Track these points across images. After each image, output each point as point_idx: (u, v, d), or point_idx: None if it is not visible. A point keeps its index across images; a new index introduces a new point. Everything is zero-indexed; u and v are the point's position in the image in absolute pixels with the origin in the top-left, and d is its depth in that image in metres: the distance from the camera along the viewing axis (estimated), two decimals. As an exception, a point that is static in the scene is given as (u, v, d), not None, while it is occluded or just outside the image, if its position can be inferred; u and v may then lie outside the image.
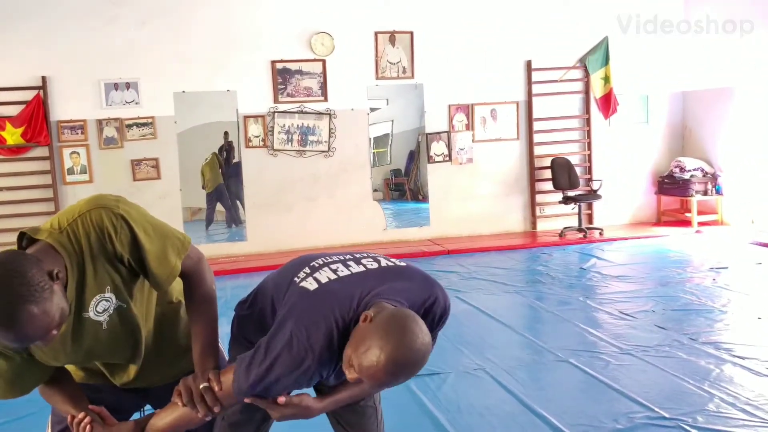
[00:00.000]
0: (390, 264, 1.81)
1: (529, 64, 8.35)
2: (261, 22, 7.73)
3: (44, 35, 7.23)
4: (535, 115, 8.42)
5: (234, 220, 8.97)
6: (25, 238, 1.55)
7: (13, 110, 7.22)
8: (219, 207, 9.13)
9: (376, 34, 7.98)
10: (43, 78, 7.26)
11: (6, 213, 7.21)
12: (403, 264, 1.83)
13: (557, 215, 8.51)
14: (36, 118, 7.23)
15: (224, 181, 9.01)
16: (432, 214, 8.46)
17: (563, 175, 8.23)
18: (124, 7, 7.41)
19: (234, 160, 8.55)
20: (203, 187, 8.99)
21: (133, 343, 1.75)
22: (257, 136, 7.84)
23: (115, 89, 7.48)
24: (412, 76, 8.13)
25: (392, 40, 8.02)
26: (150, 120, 7.58)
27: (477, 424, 3.33)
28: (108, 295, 1.62)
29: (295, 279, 1.76)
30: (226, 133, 8.67)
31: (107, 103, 7.46)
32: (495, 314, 5.18)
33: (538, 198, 8.57)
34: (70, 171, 7.44)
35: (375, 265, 1.79)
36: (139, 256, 1.61)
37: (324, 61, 7.88)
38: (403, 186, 11.48)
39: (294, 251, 7.67)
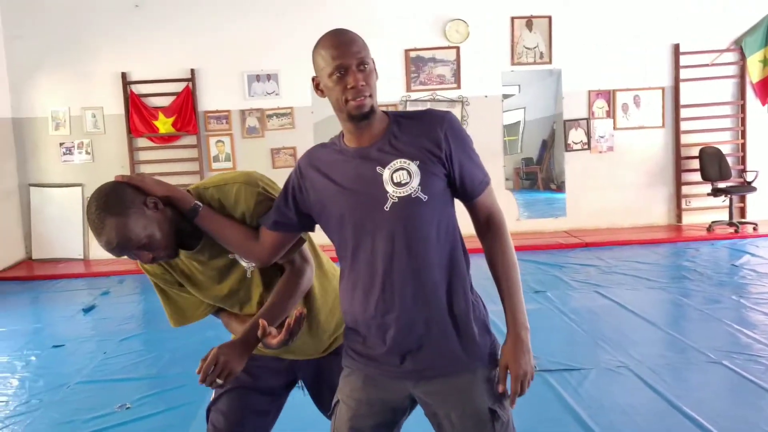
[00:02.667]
0: None
1: (676, 47, 7.84)
2: (396, 11, 7.75)
3: (193, 30, 7.63)
4: (682, 102, 7.90)
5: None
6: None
7: (165, 101, 7.69)
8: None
9: (512, 19, 7.79)
10: (192, 71, 7.67)
11: (157, 198, 7.69)
12: None
13: (705, 208, 7.95)
14: (185, 109, 7.66)
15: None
16: (569, 204, 8.16)
17: (713, 165, 7.66)
18: (266, 0, 7.68)
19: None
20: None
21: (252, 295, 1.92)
22: (390, 125, 7.88)
23: (257, 81, 7.78)
24: (550, 62, 7.87)
25: (529, 24, 7.79)
26: (288, 110, 7.82)
27: (621, 422, 3.15)
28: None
29: None
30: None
31: (250, 94, 7.78)
32: (637, 310, 4.91)
33: (684, 189, 8.05)
34: (216, 158, 7.82)
35: None
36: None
37: (458, 48, 7.79)
38: (535, 175, 11.17)
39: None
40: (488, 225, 1.76)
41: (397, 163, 1.63)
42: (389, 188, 1.62)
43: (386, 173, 1.62)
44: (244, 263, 1.86)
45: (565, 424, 3.15)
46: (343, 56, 1.61)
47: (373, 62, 1.65)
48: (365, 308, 1.67)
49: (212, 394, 2.00)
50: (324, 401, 1.99)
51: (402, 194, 1.61)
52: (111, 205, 1.63)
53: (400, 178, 1.62)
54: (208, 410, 1.99)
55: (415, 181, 1.62)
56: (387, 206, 1.62)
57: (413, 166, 1.62)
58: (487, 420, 1.67)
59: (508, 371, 1.68)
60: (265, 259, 1.79)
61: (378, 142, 1.66)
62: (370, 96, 1.62)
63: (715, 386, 3.59)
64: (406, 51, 7.78)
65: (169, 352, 4.40)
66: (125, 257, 1.71)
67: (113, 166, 7.74)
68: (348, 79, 1.61)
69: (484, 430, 1.67)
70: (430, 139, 1.64)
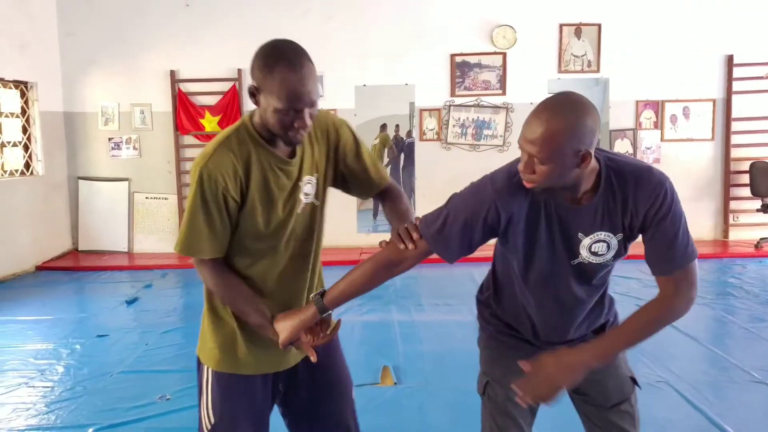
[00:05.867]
0: None
1: (730, 59, 7.68)
2: (442, 16, 7.75)
3: (241, 31, 7.72)
4: (734, 115, 7.73)
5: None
6: None
7: (212, 100, 7.81)
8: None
9: (560, 26, 7.72)
10: (239, 70, 7.78)
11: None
12: None
13: (754, 224, 7.76)
14: (231, 108, 7.78)
15: (392, 173, 9.08)
16: (610, 215, 8.04)
17: (764, 180, 7.47)
18: (314, 2, 7.75)
19: (402, 155, 8.55)
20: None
21: (305, 235, 1.91)
22: (432, 129, 7.89)
23: (301, 81, 7.83)
24: (598, 70, 7.78)
25: (578, 32, 7.71)
26: (333, 112, 7.88)
27: (659, 439, 3.10)
28: (313, 178, 1.86)
29: None
30: (396, 127, 8.73)
31: (294, 95, 7.84)
32: (679, 325, 4.76)
33: (733, 204, 7.87)
34: (259, 158, 7.90)
35: None
36: (356, 155, 1.94)
37: (504, 54, 7.75)
38: (579, 186, 11.02)
39: (464, 246, 7.63)
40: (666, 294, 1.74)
41: (600, 234, 1.69)
42: (583, 252, 1.70)
43: (586, 241, 1.68)
44: (310, 199, 1.87)
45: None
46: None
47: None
48: (531, 328, 1.87)
49: (208, 419, 1.88)
50: (295, 404, 2.00)
51: (594, 261, 1.71)
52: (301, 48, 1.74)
53: (598, 249, 1.69)
54: None
55: (610, 254, 1.71)
56: (573, 262, 1.72)
57: (614, 240, 1.69)
58: (630, 386, 1.88)
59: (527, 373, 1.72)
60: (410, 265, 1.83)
61: (590, 205, 1.67)
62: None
63: (758, 407, 3.50)
64: (452, 56, 7.78)
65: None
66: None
67: (160, 162, 7.92)
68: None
69: (629, 391, 1.87)
70: (638, 211, 1.66)
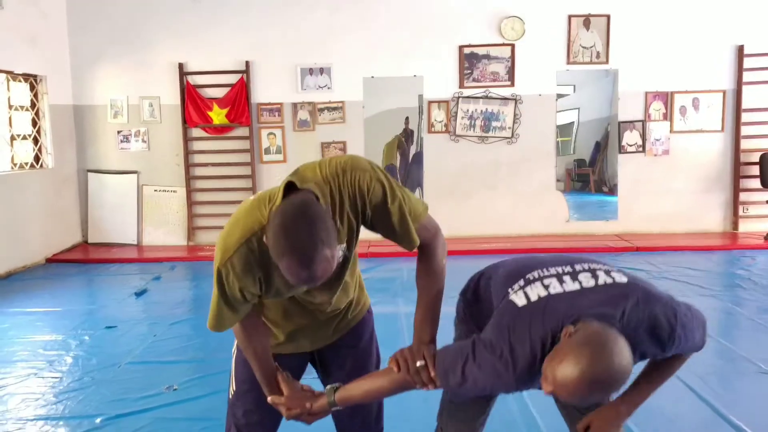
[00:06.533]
0: (608, 281, 1.69)
1: (740, 49, 7.61)
2: (451, 7, 7.72)
3: (249, 23, 7.74)
4: (744, 106, 7.67)
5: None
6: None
7: (220, 92, 7.83)
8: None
9: (569, 17, 7.67)
10: (247, 63, 7.78)
11: (209, 187, 7.86)
12: (623, 280, 1.70)
13: (764, 216, 7.71)
14: (239, 100, 7.79)
15: (400, 166, 9.10)
16: (620, 207, 8.01)
17: (774, 171, 7.42)
18: (322, -5, 7.76)
19: (412, 148, 8.56)
20: (387, 168, 9.17)
21: (333, 290, 1.90)
22: (440, 122, 7.88)
23: (309, 74, 7.84)
24: (607, 61, 7.73)
25: (587, 23, 7.67)
26: (340, 104, 7.87)
27: (666, 430, 3.10)
28: (344, 245, 1.74)
29: (509, 290, 1.76)
30: (406, 119, 8.72)
31: (302, 88, 7.85)
32: (687, 317, 4.79)
33: (742, 196, 7.82)
34: (267, 151, 7.93)
35: (591, 283, 1.69)
36: (385, 217, 1.74)
37: (513, 46, 7.72)
38: (587, 177, 10.99)
39: (472, 238, 7.63)
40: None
41: None
42: None
43: None
44: (340, 259, 1.75)
45: (608, 428, 3.11)
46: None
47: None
48: None
49: (232, 386, 2.06)
50: (332, 377, 2.08)
51: None
52: (321, 234, 1.51)
53: None
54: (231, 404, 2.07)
55: None
56: None
57: None
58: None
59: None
60: None
61: None
62: None
63: (766, 398, 3.48)
64: (461, 47, 7.75)
65: (216, 338, 4.44)
66: None
67: (168, 155, 7.95)
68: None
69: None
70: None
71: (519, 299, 1.68)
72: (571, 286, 1.68)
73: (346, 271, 1.87)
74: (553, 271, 1.75)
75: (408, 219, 1.76)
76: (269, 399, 1.91)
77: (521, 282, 1.75)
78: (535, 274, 1.75)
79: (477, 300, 1.96)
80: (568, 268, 1.75)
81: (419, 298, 1.89)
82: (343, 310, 2.02)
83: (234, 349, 2.08)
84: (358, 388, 1.85)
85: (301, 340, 2.01)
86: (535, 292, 1.68)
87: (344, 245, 1.74)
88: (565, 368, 1.47)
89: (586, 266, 1.76)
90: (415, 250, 1.86)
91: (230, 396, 2.07)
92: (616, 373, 1.47)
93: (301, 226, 1.48)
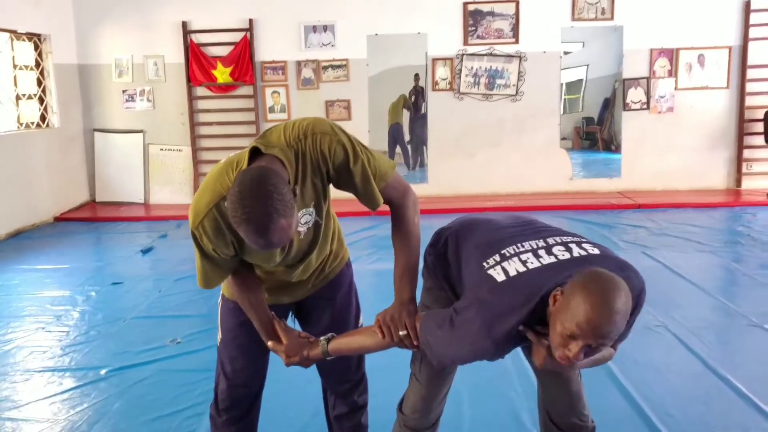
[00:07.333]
0: (582, 253, 1.74)
1: (747, 4, 7.51)
2: (455, -37, 7.64)
3: (253, -20, 7.70)
4: (750, 62, 7.60)
5: (415, 162, 9.11)
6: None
7: (224, 51, 7.82)
8: (398, 149, 9.22)
9: (574, -28, 7.58)
10: (250, 20, 7.75)
11: (213, 146, 7.90)
12: (596, 251, 1.75)
13: (767, 173, 7.70)
14: (243, 59, 7.78)
15: (410, 125, 9.11)
16: (624, 165, 8.01)
17: (779, 128, 7.38)
18: (325, -49, 7.67)
19: (422, 107, 8.54)
20: (390, 127, 9.18)
21: (306, 253, 1.95)
22: (444, 79, 7.85)
23: (313, 32, 7.81)
24: (612, 18, 7.64)
25: (592, -22, 7.57)
26: (344, 62, 7.85)
27: (653, 380, 3.17)
28: (311, 209, 1.82)
29: (484, 264, 1.79)
30: (416, 76, 8.65)
31: (306, 45, 7.82)
32: (684, 273, 4.85)
33: (746, 153, 7.80)
34: (271, 109, 7.94)
35: (566, 256, 1.74)
36: (348, 178, 1.79)
37: (517, 2, 7.64)
38: (595, 135, 10.94)
39: (475, 196, 7.68)
40: None
41: None
42: None
43: None
44: (310, 224, 1.86)
45: (596, 378, 3.16)
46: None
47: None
48: None
49: (219, 334, 2.15)
50: (311, 326, 2.16)
51: None
52: (276, 204, 1.53)
53: None
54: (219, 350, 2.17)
55: None
56: None
57: None
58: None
59: None
60: None
61: None
62: None
63: (755, 350, 3.55)
64: (465, 4, 7.68)
65: (219, 293, 4.58)
66: None
67: (173, 114, 7.98)
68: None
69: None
70: None
71: (498, 275, 1.72)
72: (547, 260, 1.73)
73: (319, 235, 1.91)
74: (527, 246, 1.80)
75: (371, 179, 1.79)
76: (269, 345, 1.98)
77: (496, 257, 1.78)
78: (511, 250, 1.79)
79: (445, 258, 2.00)
80: (542, 243, 1.80)
81: (396, 258, 1.92)
82: (321, 263, 2.07)
83: (219, 299, 2.17)
84: (348, 344, 1.95)
85: (281, 295, 2.08)
86: (513, 267, 1.72)
87: (312, 209, 1.80)
88: (580, 310, 1.49)
89: (558, 239, 1.81)
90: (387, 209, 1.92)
91: (218, 344, 2.17)
92: (626, 291, 1.52)
93: (255, 197, 1.50)
